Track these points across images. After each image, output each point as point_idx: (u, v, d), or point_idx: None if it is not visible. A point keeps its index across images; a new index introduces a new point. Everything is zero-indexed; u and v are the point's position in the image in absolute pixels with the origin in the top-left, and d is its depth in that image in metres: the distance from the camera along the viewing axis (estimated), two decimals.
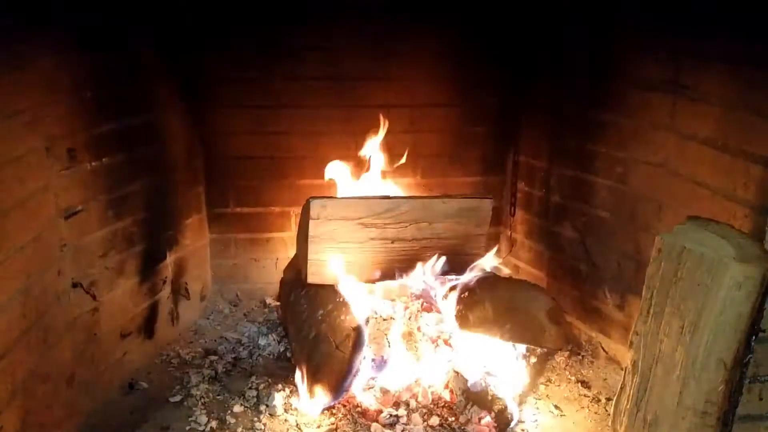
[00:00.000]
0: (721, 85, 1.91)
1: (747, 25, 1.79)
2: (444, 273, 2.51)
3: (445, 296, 2.53)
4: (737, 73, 1.85)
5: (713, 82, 1.94)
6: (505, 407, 2.15)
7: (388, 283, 2.56)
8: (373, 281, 2.53)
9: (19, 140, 1.81)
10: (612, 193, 2.46)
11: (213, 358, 2.55)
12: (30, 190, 1.86)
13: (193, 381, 2.37)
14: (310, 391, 2.15)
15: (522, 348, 2.42)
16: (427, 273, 2.50)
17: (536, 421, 2.23)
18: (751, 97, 1.79)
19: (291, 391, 2.28)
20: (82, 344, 2.15)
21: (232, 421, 2.16)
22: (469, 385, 2.20)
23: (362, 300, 2.51)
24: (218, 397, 2.29)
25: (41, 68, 1.93)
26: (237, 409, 2.22)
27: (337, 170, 2.75)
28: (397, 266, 2.47)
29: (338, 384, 2.15)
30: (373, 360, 2.30)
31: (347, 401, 2.23)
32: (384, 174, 2.80)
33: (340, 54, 2.80)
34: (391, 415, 2.16)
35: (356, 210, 2.36)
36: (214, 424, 2.14)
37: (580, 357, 2.59)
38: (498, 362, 2.31)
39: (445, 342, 2.45)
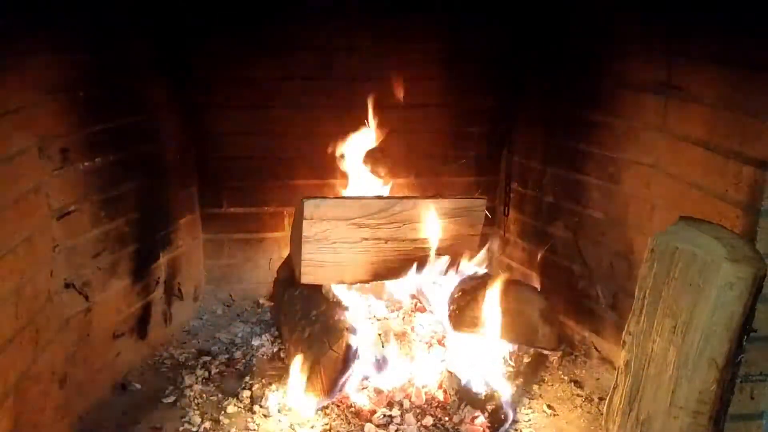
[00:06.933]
0: (712, 85, 1.91)
1: (738, 25, 1.80)
2: (437, 273, 2.52)
3: (439, 297, 2.53)
4: (728, 73, 1.85)
5: (705, 82, 1.95)
6: (499, 407, 2.16)
7: (382, 283, 2.56)
8: (367, 281, 2.53)
9: (11, 140, 1.80)
10: (604, 193, 2.47)
11: (206, 358, 2.54)
12: (22, 190, 1.85)
13: (187, 382, 2.37)
14: (304, 391, 2.15)
15: (515, 348, 2.43)
16: (420, 273, 2.50)
17: (529, 420, 2.23)
18: (742, 98, 1.80)
19: (284, 392, 2.27)
20: (74, 345, 2.14)
21: (226, 421, 2.16)
22: (463, 384, 2.20)
23: (356, 300, 2.52)
24: (212, 398, 2.29)
25: (34, 68, 1.92)
26: (230, 409, 2.22)
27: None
28: (390, 266, 2.47)
29: (332, 384, 2.15)
30: (366, 360, 2.30)
31: (341, 401, 2.22)
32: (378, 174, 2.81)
33: (334, 54, 2.80)
34: (384, 416, 2.17)
35: (350, 210, 2.36)
36: (207, 424, 2.14)
37: (572, 357, 2.60)
38: (491, 362, 2.32)
39: (439, 342, 2.46)
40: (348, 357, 2.16)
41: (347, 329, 2.17)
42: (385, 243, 2.44)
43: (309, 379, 2.14)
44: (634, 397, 1.78)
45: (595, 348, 2.56)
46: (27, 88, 1.89)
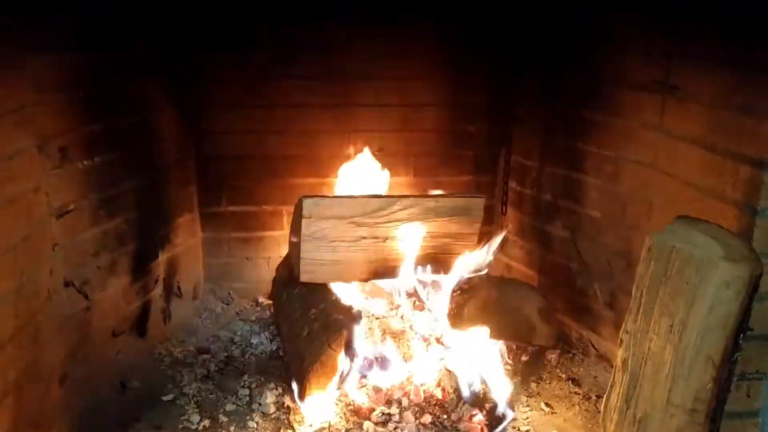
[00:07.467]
0: (710, 85, 1.92)
1: (736, 26, 1.80)
2: (436, 272, 2.52)
3: (437, 295, 2.54)
4: (726, 73, 1.86)
5: (702, 82, 1.95)
6: (497, 405, 2.16)
7: (381, 281, 2.56)
8: (366, 280, 2.54)
9: (10, 139, 1.80)
10: (602, 192, 2.47)
11: (205, 356, 2.55)
12: (21, 189, 1.86)
13: (186, 380, 2.37)
14: (303, 389, 2.15)
15: (513, 346, 2.44)
16: (419, 272, 2.51)
17: (527, 418, 2.24)
18: (739, 98, 1.81)
19: (283, 390, 2.28)
20: (74, 343, 2.14)
21: (225, 419, 2.17)
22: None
23: (355, 298, 2.52)
24: (211, 396, 2.29)
25: (33, 67, 1.92)
26: (229, 407, 2.23)
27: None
28: (389, 265, 2.47)
29: (330, 382, 2.16)
30: (365, 358, 2.31)
31: (339, 399, 2.23)
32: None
33: (333, 53, 2.81)
34: (383, 413, 2.17)
35: (349, 209, 2.37)
36: (206, 422, 2.15)
37: (570, 355, 2.60)
38: (490, 360, 2.32)
39: (437, 340, 2.46)
40: (347, 355, 2.16)
41: (346, 328, 2.17)
42: (384, 242, 2.44)
43: (308, 377, 2.14)
44: (631, 395, 1.79)
45: (593, 346, 2.57)
46: (27, 88, 1.89)
